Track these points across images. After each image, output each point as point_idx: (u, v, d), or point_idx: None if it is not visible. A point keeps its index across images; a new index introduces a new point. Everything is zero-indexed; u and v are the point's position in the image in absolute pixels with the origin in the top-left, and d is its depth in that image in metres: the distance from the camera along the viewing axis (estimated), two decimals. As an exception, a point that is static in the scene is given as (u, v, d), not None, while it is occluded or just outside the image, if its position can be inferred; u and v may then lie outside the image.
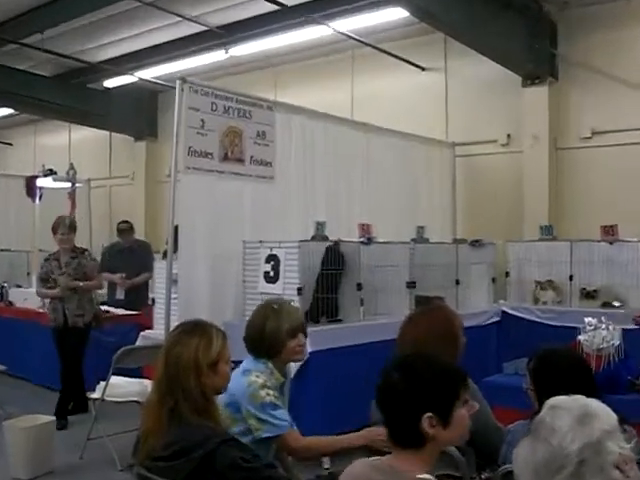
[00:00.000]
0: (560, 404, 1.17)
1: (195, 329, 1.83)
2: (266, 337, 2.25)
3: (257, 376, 2.19)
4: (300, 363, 3.39)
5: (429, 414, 1.39)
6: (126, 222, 6.37)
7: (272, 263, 4.12)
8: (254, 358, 2.28)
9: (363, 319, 4.43)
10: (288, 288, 4.01)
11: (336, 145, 5.32)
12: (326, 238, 4.37)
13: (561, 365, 1.92)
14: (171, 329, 2.04)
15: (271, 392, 2.17)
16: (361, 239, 4.50)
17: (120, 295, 5.99)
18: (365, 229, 4.61)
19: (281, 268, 4.08)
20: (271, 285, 4.09)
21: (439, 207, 6.39)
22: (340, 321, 4.30)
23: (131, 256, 6.07)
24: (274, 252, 4.14)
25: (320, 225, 4.39)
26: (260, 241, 4.20)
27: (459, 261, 5.27)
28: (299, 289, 4.00)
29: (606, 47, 5.84)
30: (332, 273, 4.24)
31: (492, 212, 6.40)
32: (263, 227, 4.45)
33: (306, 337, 2.35)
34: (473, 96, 6.59)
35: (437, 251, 5.11)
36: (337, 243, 4.35)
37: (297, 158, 4.96)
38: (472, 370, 1.62)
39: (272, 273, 4.12)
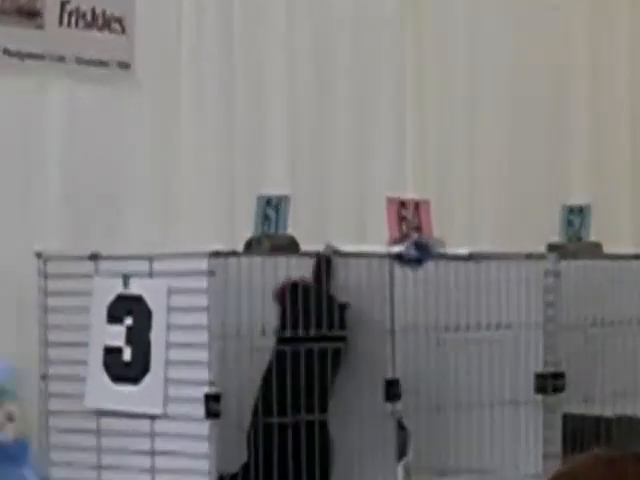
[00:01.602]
0: None
1: None
2: None
3: None
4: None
5: None
6: None
7: (129, 321, 4.34)
8: None
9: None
10: (177, 399, 4.30)
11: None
12: (292, 243, 4.55)
13: None
14: None
15: None
16: (396, 247, 4.65)
17: None
18: (408, 219, 4.73)
19: (154, 336, 4.28)
20: (126, 387, 4.30)
21: (629, 153, 6.55)
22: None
23: None
24: (133, 288, 4.32)
25: (273, 207, 4.53)
26: (92, 255, 4.36)
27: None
28: (211, 400, 4.18)
29: None
30: (311, 350, 4.42)
31: None
32: (103, 213, 4.61)
33: None
34: None
35: (629, 280, 5.27)
36: (324, 259, 4.52)
37: (209, 18, 5.23)
38: None
39: (128, 352, 4.33)
